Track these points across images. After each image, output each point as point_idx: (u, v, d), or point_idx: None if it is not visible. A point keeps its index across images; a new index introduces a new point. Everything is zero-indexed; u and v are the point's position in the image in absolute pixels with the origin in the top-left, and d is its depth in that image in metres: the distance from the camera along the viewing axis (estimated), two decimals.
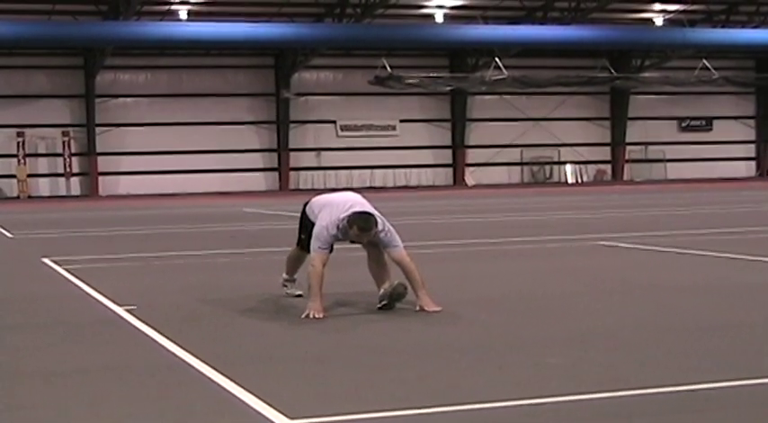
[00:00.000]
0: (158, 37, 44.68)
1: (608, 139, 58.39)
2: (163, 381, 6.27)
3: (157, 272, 12.90)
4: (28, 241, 19.23)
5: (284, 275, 9.82)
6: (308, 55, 51.45)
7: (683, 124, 59.51)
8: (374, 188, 50.08)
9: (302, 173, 53.85)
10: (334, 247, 8.86)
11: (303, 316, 8.44)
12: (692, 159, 58.86)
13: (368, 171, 53.78)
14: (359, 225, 8.57)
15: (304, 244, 9.15)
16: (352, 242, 8.92)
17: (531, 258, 13.60)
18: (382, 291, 8.73)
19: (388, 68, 47.82)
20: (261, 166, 53.42)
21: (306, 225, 9.15)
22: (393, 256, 8.74)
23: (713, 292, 9.77)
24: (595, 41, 49.86)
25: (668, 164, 58.82)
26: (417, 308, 8.59)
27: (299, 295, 9.49)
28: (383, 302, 8.66)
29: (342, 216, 8.65)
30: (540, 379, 6.01)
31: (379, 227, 8.67)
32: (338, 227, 8.66)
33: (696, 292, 9.82)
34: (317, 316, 8.37)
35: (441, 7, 49.07)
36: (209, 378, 6.24)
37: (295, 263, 9.67)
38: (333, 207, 8.80)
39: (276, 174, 53.49)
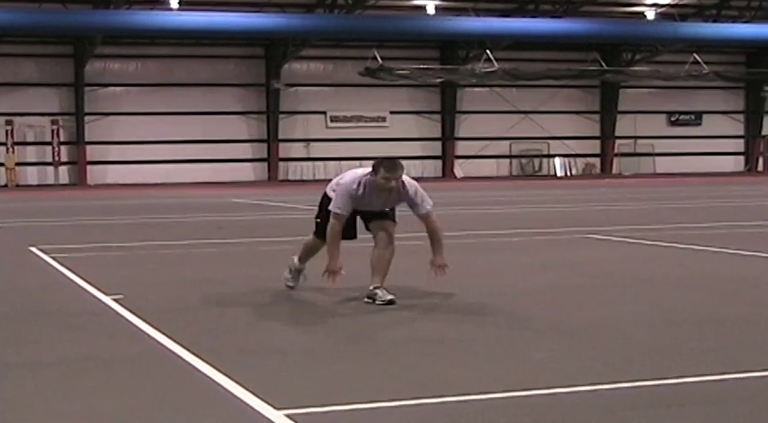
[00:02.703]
0: (149, 26, 44.57)
1: (597, 133, 58.48)
2: (149, 371, 6.26)
3: (145, 261, 12.88)
4: (15, 230, 19.18)
5: (295, 260, 9.53)
6: (298, 46, 51.38)
7: (673, 118, 59.59)
8: None
9: (291, 164, 53.81)
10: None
11: (322, 276, 8.65)
12: (680, 154, 58.96)
13: (357, 162, 53.37)
14: (385, 166, 8.54)
15: (320, 231, 8.94)
16: (366, 221, 8.89)
17: (519, 251, 13.61)
18: (376, 291, 8.60)
19: (379, 60, 47.81)
20: (250, 156, 53.36)
21: (324, 206, 8.95)
22: (420, 213, 8.74)
23: (700, 286, 9.79)
24: (586, 35, 49.89)
25: (657, 158, 58.92)
26: (429, 267, 8.82)
27: (291, 287, 9.46)
28: (370, 301, 8.67)
29: (366, 171, 8.69)
30: (528, 372, 6.02)
31: (410, 190, 8.67)
32: (360, 182, 8.62)
33: (683, 285, 9.84)
34: (334, 277, 8.54)
35: None
36: (197, 368, 6.24)
37: (310, 251, 9.40)
38: (355, 173, 8.85)
39: (265, 164, 53.43)
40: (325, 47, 52.74)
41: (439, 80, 52.56)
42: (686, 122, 59.71)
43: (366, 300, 8.69)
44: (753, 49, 58.14)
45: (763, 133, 60.72)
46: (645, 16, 53.12)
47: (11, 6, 44.19)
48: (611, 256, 12.82)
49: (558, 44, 53.25)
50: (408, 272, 9.85)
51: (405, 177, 8.71)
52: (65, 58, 50.40)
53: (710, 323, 7.73)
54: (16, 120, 49.72)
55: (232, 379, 5.85)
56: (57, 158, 50.36)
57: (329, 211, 8.71)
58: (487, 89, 55.21)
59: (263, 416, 5.15)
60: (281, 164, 53.36)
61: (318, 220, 9.07)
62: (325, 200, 8.96)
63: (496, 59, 48.60)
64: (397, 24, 48.24)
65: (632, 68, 54.84)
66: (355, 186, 8.61)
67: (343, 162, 53.37)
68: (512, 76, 50.74)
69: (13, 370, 6.36)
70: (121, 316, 8.29)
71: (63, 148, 50.48)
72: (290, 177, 53.11)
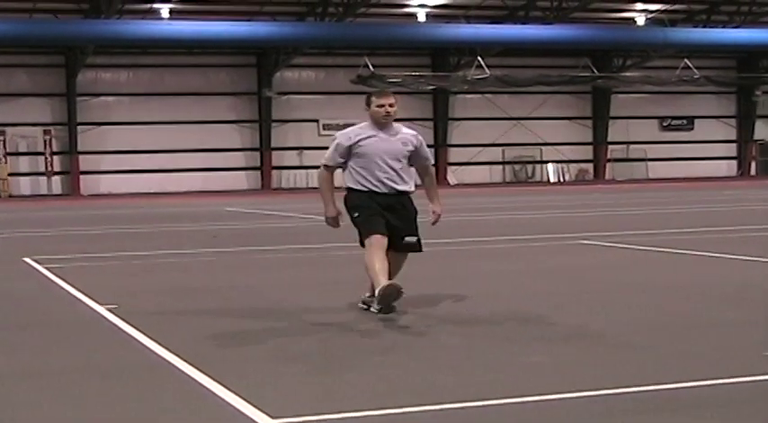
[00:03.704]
0: (140, 36, 44.53)
1: (590, 139, 58.51)
2: (144, 380, 6.26)
3: (139, 271, 12.87)
4: (8, 240, 19.15)
5: (367, 294, 8.64)
6: (290, 54, 51.38)
7: (665, 124, 59.65)
8: None
9: (284, 172, 53.78)
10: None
11: (324, 221, 8.71)
12: (673, 159, 59.02)
13: None
14: (375, 94, 8.59)
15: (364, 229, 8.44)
16: (394, 235, 8.39)
17: (513, 258, 13.63)
18: (373, 299, 8.26)
19: (371, 67, 47.82)
20: (243, 164, 53.33)
21: (350, 205, 8.57)
22: (426, 164, 8.84)
23: (694, 291, 9.81)
24: (577, 41, 49.94)
25: (650, 163, 58.96)
26: (431, 212, 8.83)
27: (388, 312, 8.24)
28: (365, 307, 8.55)
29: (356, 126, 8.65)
30: (524, 378, 6.03)
31: (417, 137, 8.73)
32: (351, 132, 8.56)
33: (677, 290, 9.86)
34: (332, 223, 8.60)
35: (423, 6, 49.07)
36: (191, 377, 6.24)
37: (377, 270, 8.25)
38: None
39: (258, 173, 53.41)
40: (316, 55, 52.76)
41: (431, 87, 52.57)
42: (678, 127, 59.78)
43: (361, 306, 8.67)
44: (743, 54, 58.23)
45: (755, 138, 60.81)
46: (635, 22, 53.21)
47: (2, 17, 44.15)
48: (605, 262, 12.84)
49: (550, 50, 53.29)
50: (401, 279, 9.84)
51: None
52: (57, 68, 50.33)
53: (705, 328, 7.74)
54: (8, 130, 49.62)
55: (227, 387, 5.85)
56: (49, 168, 50.28)
57: (358, 215, 8.46)
58: (479, 96, 55.25)
59: None
60: (274, 172, 53.34)
61: (357, 215, 8.50)
62: (351, 195, 8.58)
63: (488, 66, 48.64)
64: (389, 32, 48.28)
65: (623, 74, 54.89)
66: (349, 130, 8.59)
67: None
68: (503, 83, 50.74)
69: (7, 379, 6.35)
70: (115, 325, 8.28)
71: (56, 158, 50.39)
72: (284, 185, 53.08)
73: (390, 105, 8.48)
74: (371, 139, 8.49)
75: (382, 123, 8.53)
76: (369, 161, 8.46)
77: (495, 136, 56.35)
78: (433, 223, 8.91)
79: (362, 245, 8.40)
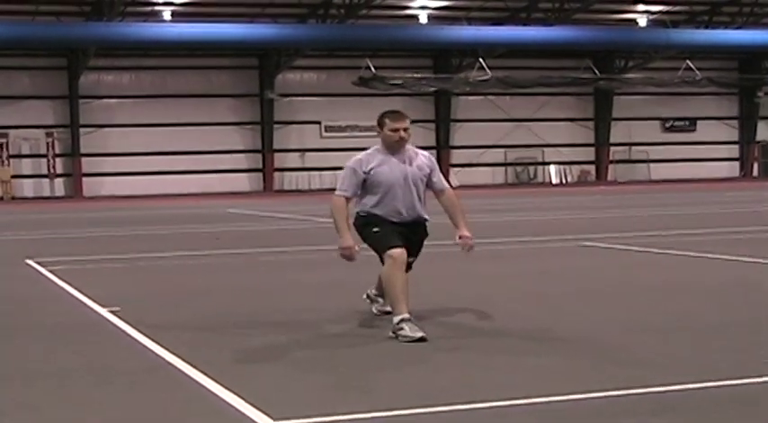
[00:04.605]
0: (142, 38, 44.58)
1: (592, 140, 58.48)
2: (146, 383, 6.28)
3: (142, 273, 12.89)
4: (11, 243, 19.17)
5: (374, 290, 8.60)
6: (291, 56, 51.40)
7: (667, 125, 59.61)
8: None
9: (286, 174, 53.77)
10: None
11: (338, 253, 8.07)
12: (675, 160, 58.97)
13: None
14: (389, 117, 8.02)
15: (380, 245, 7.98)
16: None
17: (515, 259, 13.64)
18: (403, 326, 7.54)
19: (372, 69, 47.81)
20: (245, 166, 53.32)
21: (360, 228, 8.13)
22: (440, 188, 8.25)
23: (695, 293, 9.82)
24: (579, 42, 49.96)
25: (652, 164, 58.93)
26: (457, 238, 8.26)
27: (388, 312, 8.10)
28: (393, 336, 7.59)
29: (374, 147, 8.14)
30: (522, 380, 6.04)
31: (429, 158, 8.24)
32: (367, 153, 8.08)
33: (678, 292, 9.87)
34: (348, 254, 7.92)
35: (424, 8, 49.09)
36: (194, 379, 6.25)
37: (395, 292, 7.87)
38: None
39: (260, 175, 53.41)
40: (318, 57, 52.76)
41: (433, 89, 52.57)
42: (680, 129, 59.74)
43: (365, 298, 8.58)
44: (745, 55, 58.18)
45: (758, 139, 60.75)
46: (637, 23, 53.20)
47: (4, 19, 44.21)
48: (608, 264, 12.85)
49: (551, 52, 53.30)
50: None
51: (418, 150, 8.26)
52: (59, 70, 50.37)
53: (706, 330, 7.75)
54: (11, 132, 49.66)
55: (229, 389, 5.87)
56: (52, 171, 50.32)
57: (378, 230, 7.98)
58: (481, 97, 55.23)
59: None
60: (276, 174, 53.34)
61: (377, 230, 8.01)
62: (358, 219, 8.15)
63: (490, 68, 48.62)
64: (390, 34, 48.29)
65: (625, 75, 54.85)
66: (361, 156, 8.05)
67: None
68: (505, 85, 50.74)
69: (9, 381, 6.37)
70: (118, 328, 8.30)
71: (58, 160, 50.43)
72: (286, 187, 53.08)
73: (405, 130, 8.00)
74: (385, 167, 7.99)
75: (395, 148, 8.05)
76: (384, 190, 7.99)
77: (498, 137, 56.33)
78: (468, 250, 8.32)
79: (382, 261, 7.88)
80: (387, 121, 8.01)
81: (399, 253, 7.77)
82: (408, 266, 8.07)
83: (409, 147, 8.18)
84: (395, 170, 8.00)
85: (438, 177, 8.28)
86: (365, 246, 8.04)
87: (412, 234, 8.09)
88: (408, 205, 8.06)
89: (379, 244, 7.92)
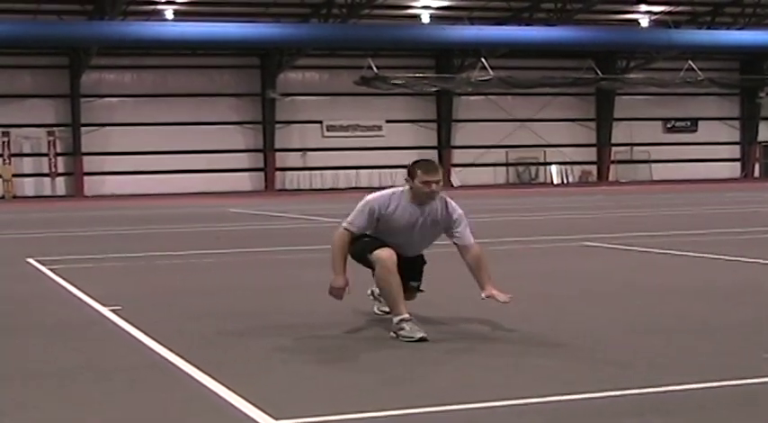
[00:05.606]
0: (144, 37, 44.58)
1: (593, 140, 58.50)
2: (147, 382, 6.27)
3: (143, 272, 12.89)
4: (12, 241, 19.17)
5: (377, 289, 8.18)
6: (293, 55, 51.42)
7: (669, 125, 59.63)
8: (360, 189, 49.96)
9: (288, 173, 53.79)
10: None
11: (329, 292, 7.81)
12: (677, 160, 58.99)
13: (353, 171, 53.73)
14: (423, 168, 7.59)
15: (360, 252, 7.76)
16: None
17: (516, 259, 13.63)
18: (403, 325, 7.48)
19: (374, 69, 47.82)
20: (246, 166, 53.35)
21: (355, 246, 7.80)
22: (460, 244, 7.86)
23: (697, 294, 9.81)
24: (581, 42, 49.94)
25: (653, 165, 58.95)
26: (483, 296, 7.80)
27: (389, 312, 7.86)
28: (394, 336, 7.58)
29: (397, 189, 7.75)
30: (522, 380, 6.04)
31: (453, 213, 7.82)
32: (393, 195, 7.71)
33: (680, 293, 9.86)
34: (336, 294, 7.72)
35: (427, 8, 49.08)
36: (195, 379, 6.25)
37: (391, 295, 7.74)
38: (385, 191, 7.89)
39: (262, 174, 53.44)
40: (320, 56, 52.78)
41: (434, 89, 52.58)
42: (682, 129, 59.75)
43: (368, 295, 8.55)
44: (747, 56, 58.18)
45: (759, 140, 60.77)
46: (639, 23, 53.18)
47: (6, 18, 44.22)
48: (609, 264, 12.85)
49: (553, 52, 53.31)
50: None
51: (448, 199, 7.90)
52: (60, 69, 50.40)
53: (708, 331, 7.74)
54: (12, 131, 49.72)
55: (231, 389, 5.86)
56: (53, 170, 50.36)
57: (361, 238, 7.77)
58: (483, 97, 55.25)
59: None
60: (278, 173, 53.36)
61: (367, 240, 7.77)
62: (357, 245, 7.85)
63: (492, 68, 48.64)
64: (393, 33, 48.29)
65: (627, 76, 54.85)
66: (386, 198, 7.71)
67: (339, 171, 53.50)
68: (507, 85, 50.77)
69: (10, 380, 6.37)
70: (120, 327, 8.29)
71: (59, 159, 50.47)
72: (287, 187, 53.10)
73: (437, 183, 7.63)
74: (403, 214, 7.71)
75: (423, 201, 7.71)
76: (390, 233, 7.75)
77: (499, 137, 56.34)
78: (503, 301, 7.71)
79: (373, 271, 7.69)
80: (419, 172, 7.61)
81: (388, 255, 7.55)
82: (415, 290, 8.03)
83: (439, 197, 7.81)
84: (410, 219, 7.74)
85: (462, 232, 7.85)
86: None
87: (407, 263, 7.91)
88: (408, 249, 7.91)
89: (366, 248, 7.69)
